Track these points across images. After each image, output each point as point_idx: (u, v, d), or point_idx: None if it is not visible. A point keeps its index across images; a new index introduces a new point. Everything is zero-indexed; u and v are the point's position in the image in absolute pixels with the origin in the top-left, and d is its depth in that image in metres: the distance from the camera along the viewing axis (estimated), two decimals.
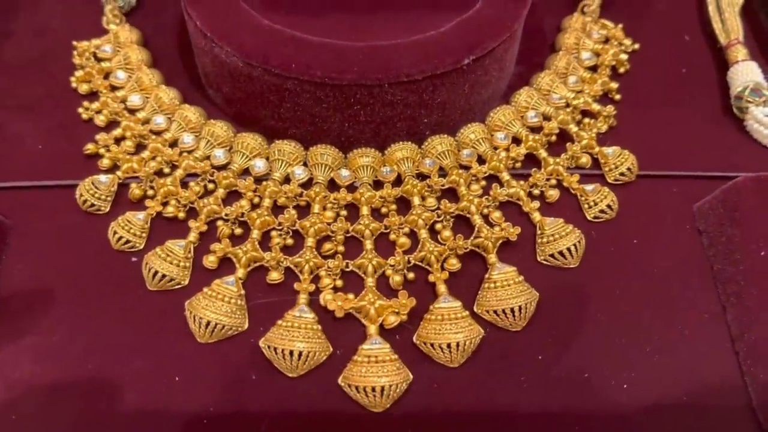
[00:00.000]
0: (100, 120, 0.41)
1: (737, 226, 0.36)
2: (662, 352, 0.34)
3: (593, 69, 0.44)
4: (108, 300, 0.35)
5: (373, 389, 0.32)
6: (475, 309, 0.35)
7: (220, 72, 0.39)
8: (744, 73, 0.43)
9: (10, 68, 0.44)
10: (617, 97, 0.43)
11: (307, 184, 0.39)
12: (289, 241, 0.37)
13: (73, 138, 0.41)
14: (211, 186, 0.39)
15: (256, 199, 0.38)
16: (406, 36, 0.38)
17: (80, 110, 0.42)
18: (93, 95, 0.43)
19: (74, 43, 0.44)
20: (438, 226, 0.37)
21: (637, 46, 0.46)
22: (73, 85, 0.43)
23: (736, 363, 0.34)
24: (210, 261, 0.36)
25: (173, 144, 0.40)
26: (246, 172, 0.39)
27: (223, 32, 0.37)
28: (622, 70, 0.45)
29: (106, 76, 0.43)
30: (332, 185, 0.39)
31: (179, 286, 0.36)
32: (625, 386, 0.33)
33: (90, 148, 0.40)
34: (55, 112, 0.42)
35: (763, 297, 0.34)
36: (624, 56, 0.45)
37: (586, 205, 0.38)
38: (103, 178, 0.38)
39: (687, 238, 0.38)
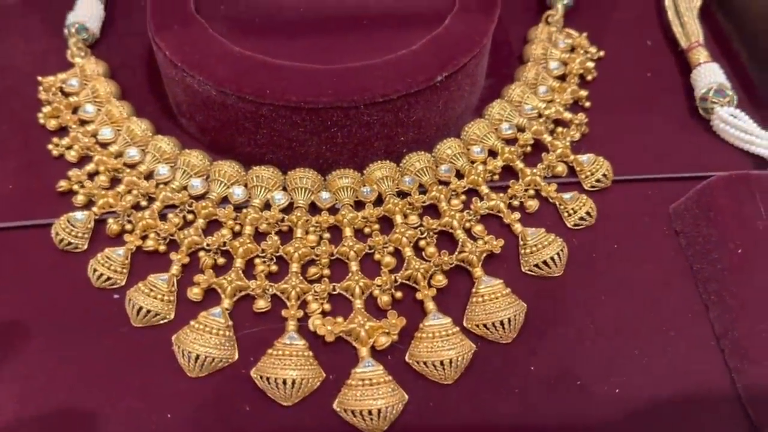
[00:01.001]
0: (71, 156, 0.41)
1: (713, 225, 0.37)
2: (650, 354, 0.34)
3: (562, 78, 0.45)
4: (92, 339, 0.35)
5: (370, 412, 0.32)
6: (464, 324, 0.35)
7: (192, 101, 0.39)
8: (707, 74, 0.44)
9: None
10: (587, 104, 0.44)
11: (288, 209, 0.38)
12: (274, 268, 0.36)
13: (44, 175, 0.40)
14: (190, 217, 0.38)
15: (237, 227, 0.38)
16: (378, 56, 0.38)
17: (50, 146, 0.41)
18: (62, 131, 0.42)
19: (39, 78, 0.44)
20: (422, 243, 0.37)
21: (602, 53, 0.47)
22: (41, 121, 0.42)
23: (722, 360, 0.34)
24: (194, 293, 0.35)
25: (149, 176, 0.40)
26: (225, 200, 0.39)
27: (194, 61, 0.37)
28: (589, 77, 0.46)
29: (75, 110, 0.43)
30: (313, 208, 0.39)
31: (165, 321, 0.35)
32: (617, 390, 0.33)
33: (63, 185, 0.39)
34: (23, 149, 0.41)
35: (742, 294, 0.34)
36: (591, 64, 0.46)
37: (565, 214, 0.39)
38: (79, 215, 0.38)
39: (665, 239, 0.39)
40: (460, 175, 0.40)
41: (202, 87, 0.37)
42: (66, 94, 0.43)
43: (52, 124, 0.42)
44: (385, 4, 0.42)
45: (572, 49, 0.47)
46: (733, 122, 0.42)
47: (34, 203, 0.39)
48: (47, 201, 0.39)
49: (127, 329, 0.35)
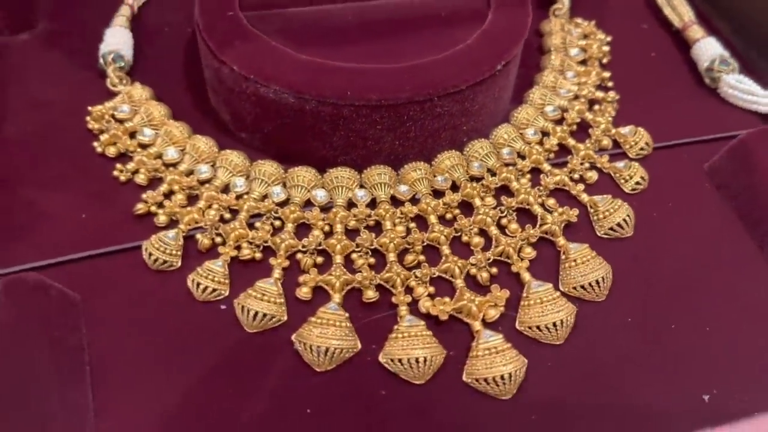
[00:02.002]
0: (140, 179, 0.41)
1: (755, 174, 0.41)
2: (713, 294, 0.38)
3: (583, 63, 0.49)
4: (208, 351, 0.35)
5: (502, 377, 0.34)
6: (560, 288, 0.38)
7: (263, 112, 0.40)
8: (707, 48, 0.49)
9: (23, 144, 0.43)
10: (610, 84, 0.48)
11: (372, 204, 0.40)
12: (372, 260, 0.38)
13: (114, 201, 0.40)
14: (277, 223, 0.39)
15: (327, 227, 0.39)
16: (432, 54, 0.40)
17: (115, 173, 0.41)
18: (122, 156, 0.42)
19: (89, 108, 0.43)
20: (503, 221, 0.40)
21: (610, 38, 0.51)
22: (99, 149, 0.42)
23: None
24: (304, 292, 0.36)
25: (224, 190, 0.40)
26: (308, 203, 0.40)
27: (267, 73, 0.38)
28: (605, 60, 0.50)
29: (132, 135, 0.43)
30: (394, 201, 0.40)
31: (279, 323, 0.36)
32: (707, 329, 0.37)
33: (141, 207, 0.39)
34: (85, 179, 0.41)
35: None
36: (606, 48, 0.50)
37: (622, 180, 0.42)
38: (169, 233, 0.38)
39: (708, 194, 0.43)
40: (521, 156, 0.43)
41: (278, 96, 0.38)
42: (119, 121, 0.43)
43: (111, 151, 0.42)
44: (423, 7, 0.45)
45: (585, 36, 0.51)
46: (740, 87, 0.47)
47: (113, 229, 0.39)
48: (125, 225, 0.39)
49: (242, 335, 0.35)
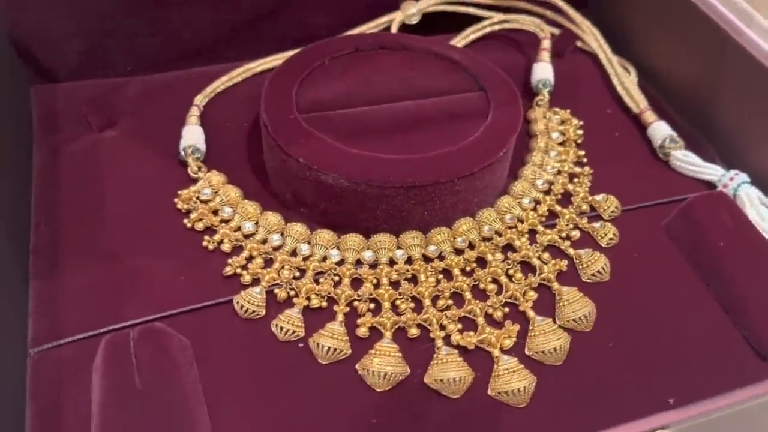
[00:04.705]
0: (225, 247, 0.52)
1: (699, 231, 0.53)
2: (663, 324, 0.50)
3: (562, 144, 0.62)
4: (293, 381, 0.45)
5: (519, 390, 0.45)
6: (557, 322, 0.49)
7: (321, 193, 0.52)
8: (659, 129, 0.62)
9: (121, 223, 0.53)
10: (585, 160, 0.61)
11: (408, 262, 0.51)
12: (412, 305, 0.49)
13: (205, 266, 0.51)
14: (336, 278, 0.50)
15: (375, 281, 0.50)
16: (449, 144, 0.53)
17: (204, 243, 0.52)
18: (207, 230, 0.53)
19: (179, 192, 0.55)
20: (510, 271, 0.51)
21: (581, 123, 0.64)
22: (188, 225, 0.53)
23: (728, 321, 0.50)
24: (362, 332, 0.47)
25: (292, 253, 0.51)
26: (358, 262, 0.51)
27: (328, 164, 0.50)
28: (579, 141, 0.63)
29: (215, 213, 0.54)
30: (425, 259, 0.52)
31: (344, 356, 0.47)
32: (668, 347, 0.48)
33: (229, 270, 0.50)
34: (179, 249, 0.52)
35: (730, 270, 0.51)
36: (580, 131, 0.63)
37: (599, 237, 0.54)
38: (256, 289, 0.49)
39: (666, 246, 0.55)
40: (520, 221, 0.55)
41: (336, 181, 0.50)
42: (203, 201, 0.54)
43: (199, 225, 0.53)
44: (437, 106, 0.57)
45: (562, 122, 0.64)
46: (686, 159, 0.60)
47: (207, 287, 0.49)
48: (216, 284, 0.50)
49: (317, 367, 0.46)
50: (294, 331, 0.47)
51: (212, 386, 0.45)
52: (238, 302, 0.48)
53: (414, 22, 0.71)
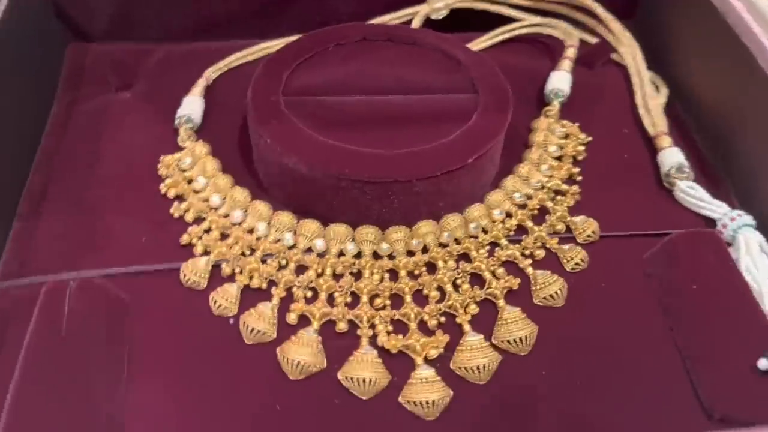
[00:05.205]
0: (189, 217, 0.53)
1: (676, 268, 0.49)
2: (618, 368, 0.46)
3: (559, 158, 0.59)
4: (215, 354, 0.46)
5: (428, 402, 0.44)
6: (492, 340, 0.47)
7: (285, 176, 0.52)
8: (670, 156, 0.58)
9: (108, 179, 0.56)
10: (579, 178, 0.57)
11: (357, 256, 0.51)
12: (348, 299, 0.49)
13: (167, 232, 0.53)
14: (283, 262, 0.51)
15: (320, 270, 0.50)
16: (424, 143, 0.51)
17: (172, 210, 0.54)
18: (179, 198, 0.55)
19: (161, 157, 0.57)
20: (459, 281, 0.50)
21: (590, 138, 0.61)
22: (163, 190, 0.55)
23: (684, 368, 0.46)
24: (291, 318, 0.48)
25: (250, 231, 0.52)
26: (309, 249, 0.51)
27: (291, 148, 0.51)
28: (580, 158, 0.59)
29: (189, 182, 0.56)
30: (375, 255, 0.51)
31: (270, 339, 0.47)
32: (605, 389, 0.45)
33: (185, 238, 0.52)
34: (150, 212, 0.54)
35: (697, 315, 0.47)
36: (581, 148, 0.59)
37: (564, 260, 0.52)
38: (201, 260, 0.50)
39: (640, 280, 0.51)
40: (485, 231, 0.53)
41: (295, 167, 0.51)
42: (182, 170, 0.56)
43: (171, 192, 0.55)
44: (423, 104, 0.56)
45: (566, 136, 0.60)
46: (691, 192, 0.55)
47: (163, 252, 0.51)
48: (173, 251, 0.52)
49: (242, 346, 0.47)
50: (227, 307, 0.48)
51: (139, 347, 0.47)
52: (182, 271, 0.50)
53: (440, 17, 0.70)
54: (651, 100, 0.63)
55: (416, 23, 0.69)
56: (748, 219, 0.53)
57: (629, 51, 0.68)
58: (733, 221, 0.53)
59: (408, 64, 0.60)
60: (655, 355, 0.47)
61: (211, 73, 0.65)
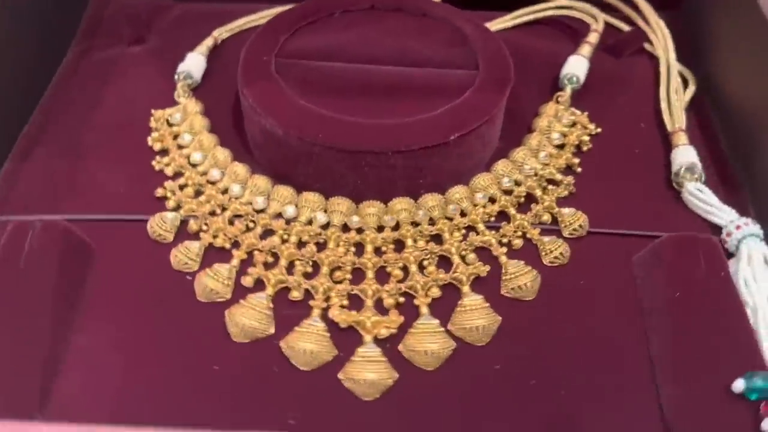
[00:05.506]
0: (168, 171, 0.53)
1: (660, 272, 0.45)
2: (588, 369, 0.43)
3: (561, 147, 0.55)
4: (167, 307, 0.46)
5: (365, 381, 0.42)
6: (448, 327, 0.45)
7: (265, 139, 0.51)
8: (683, 154, 0.53)
9: (101, 128, 0.57)
10: (579, 170, 0.54)
11: (326, 226, 0.49)
12: (309, 269, 0.47)
13: (146, 184, 0.53)
14: (251, 225, 0.50)
15: (286, 236, 0.49)
16: (409, 116, 0.49)
17: (153, 163, 0.54)
18: (164, 152, 0.55)
19: (152, 111, 0.57)
20: (425, 262, 0.47)
21: (599, 130, 0.57)
22: (150, 143, 0.55)
23: (652, 377, 0.43)
24: (247, 281, 0.47)
25: (224, 192, 0.51)
26: (279, 215, 0.50)
27: (270, 109, 0.49)
28: (585, 148, 0.55)
29: (176, 137, 0.55)
30: (345, 228, 0.49)
31: (222, 299, 0.46)
32: (562, 392, 0.42)
33: (160, 192, 0.51)
34: (134, 163, 0.54)
35: (675, 326, 0.43)
36: (586, 138, 0.55)
37: (543, 253, 0.48)
38: (169, 215, 0.50)
39: (625, 283, 0.47)
40: (463, 214, 0.50)
41: (272, 129, 0.49)
42: (170, 125, 0.56)
43: (157, 146, 0.55)
44: (420, 77, 0.53)
45: (573, 124, 0.57)
46: (699, 195, 0.51)
47: (138, 203, 0.51)
48: (147, 203, 0.51)
49: (194, 302, 0.46)
50: (187, 263, 0.48)
51: (97, 292, 0.47)
52: (150, 223, 0.49)
53: None
54: (675, 94, 0.58)
55: None
56: (755, 229, 0.48)
57: (661, 42, 0.63)
58: (739, 230, 0.48)
59: (412, 35, 0.57)
60: (624, 363, 0.44)
61: (221, 33, 0.64)
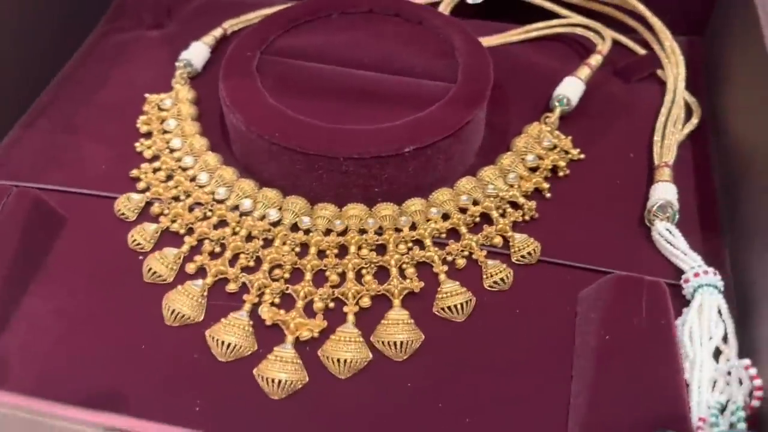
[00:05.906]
0: (147, 153, 0.55)
1: (597, 312, 0.44)
2: (505, 400, 0.42)
3: (534, 170, 0.54)
4: (115, 284, 0.48)
5: (274, 381, 0.42)
6: (371, 338, 0.45)
7: (233, 132, 0.52)
8: (659, 191, 0.51)
9: (100, 107, 0.60)
10: (548, 195, 0.52)
11: (278, 224, 0.50)
12: (251, 264, 0.48)
13: (126, 163, 0.55)
14: (209, 214, 0.51)
15: (237, 229, 0.50)
16: (372, 123, 0.49)
17: (136, 144, 0.56)
18: (149, 135, 0.57)
19: (146, 95, 0.59)
20: (363, 271, 0.48)
21: (582, 156, 0.55)
22: (138, 125, 0.58)
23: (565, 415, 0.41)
24: (190, 268, 0.48)
25: (193, 179, 0.53)
26: (237, 207, 0.51)
27: (238, 105, 0.51)
28: (561, 174, 0.54)
29: (162, 122, 0.58)
30: (295, 227, 0.50)
31: (164, 282, 0.48)
32: (467, 420, 0.41)
33: (134, 173, 0.54)
34: (120, 143, 0.57)
35: (598, 372, 0.41)
36: (562, 163, 0.54)
37: (485, 276, 0.47)
38: (135, 195, 0.52)
39: (565, 319, 0.46)
40: (414, 227, 0.50)
41: (237, 123, 0.51)
42: (161, 109, 0.59)
43: (143, 128, 0.57)
44: (396, 85, 0.53)
45: (554, 147, 0.55)
46: (666, 236, 0.48)
47: (114, 182, 0.54)
48: (122, 182, 0.54)
49: (140, 283, 0.48)
50: (140, 244, 0.50)
51: (58, 261, 0.50)
52: (116, 202, 0.52)
53: (472, 2, 0.65)
54: (672, 126, 0.56)
55: (444, 7, 0.65)
56: (714, 279, 0.45)
57: (673, 68, 0.60)
58: (696, 277, 0.45)
59: (401, 43, 0.57)
60: (541, 401, 0.42)
61: (231, 25, 0.66)
